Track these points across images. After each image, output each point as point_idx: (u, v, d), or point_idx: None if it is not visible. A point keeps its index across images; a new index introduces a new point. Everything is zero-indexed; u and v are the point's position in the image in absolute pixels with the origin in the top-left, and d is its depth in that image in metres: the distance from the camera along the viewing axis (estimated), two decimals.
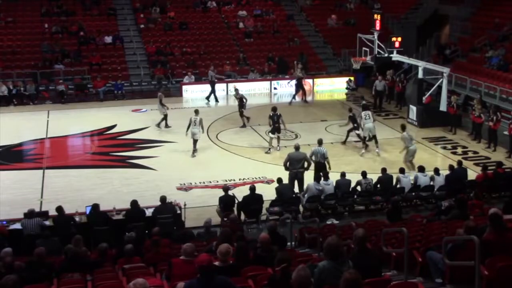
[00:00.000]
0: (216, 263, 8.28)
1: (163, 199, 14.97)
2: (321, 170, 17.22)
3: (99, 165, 20.82)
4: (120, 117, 26.50)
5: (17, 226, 13.94)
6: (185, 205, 15.34)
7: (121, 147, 22.65)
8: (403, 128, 19.91)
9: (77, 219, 14.40)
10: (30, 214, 13.99)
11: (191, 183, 18.48)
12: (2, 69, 30.73)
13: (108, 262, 10.98)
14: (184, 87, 31.03)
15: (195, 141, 21.13)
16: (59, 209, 14.09)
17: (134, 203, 14.50)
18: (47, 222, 14.18)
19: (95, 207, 14.31)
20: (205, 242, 12.09)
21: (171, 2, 37.11)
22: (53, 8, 35.17)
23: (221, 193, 15.94)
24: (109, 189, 18.24)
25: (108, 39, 33.97)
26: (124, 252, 10.94)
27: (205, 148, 21.85)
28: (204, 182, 18.59)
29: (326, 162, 17.76)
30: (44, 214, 14.76)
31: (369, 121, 21.17)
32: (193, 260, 9.28)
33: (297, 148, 17.78)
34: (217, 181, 18.49)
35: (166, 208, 14.79)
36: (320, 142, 18.18)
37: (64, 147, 23.43)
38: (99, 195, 16.95)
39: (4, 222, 14.20)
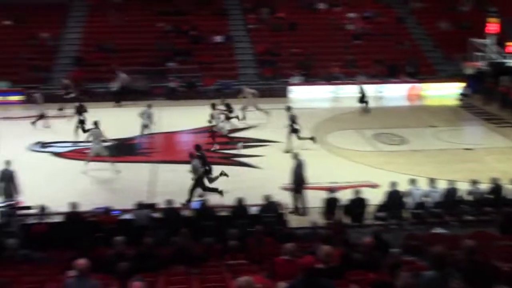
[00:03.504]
0: (319, 265, 8.28)
1: (267, 198, 15.13)
2: None
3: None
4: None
5: (129, 216, 14.53)
6: (288, 205, 15.41)
7: (228, 145, 23.06)
8: None
9: (185, 213, 14.81)
10: (140, 206, 14.57)
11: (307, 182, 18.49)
12: (119, 66, 32.07)
13: (213, 257, 11.21)
14: (291, 88, 31.16)
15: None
16: (169, 202, 14.55)
17: (239, 200, 14.75)
18: (156, 214, 14.68)
19: (203, 202, 14.67)
20: (308, 243, 12.09)
21: (281, 3, 37.34)
22: (167, 8, 36.30)
23: (325, 194, 15.89)
24: (215, 186, 18.57)
25: (219, 39, 34.69)
26: (228, 248, 11.15)
27: (310, 149, 21.82)
28: (309, 183, 18.55)
29: None
30: (153, 206, 15.31)
31: None
32: (296, 260, 9.34)
33: None
34: (321, 183, 18.41)
35: (270, 207, 14.93)
36: None
37: (173, 142, 24.16)
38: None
39: (117, 212, 14.82)
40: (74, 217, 14.16)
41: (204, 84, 31.61)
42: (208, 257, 11.14)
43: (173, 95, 30.66)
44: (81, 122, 22.99)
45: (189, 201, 16.56)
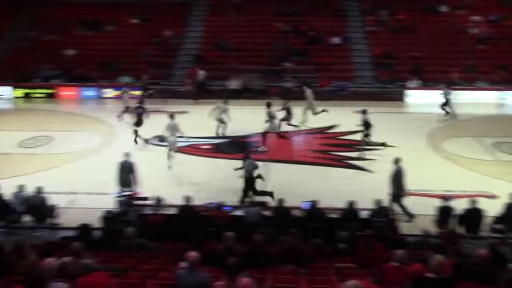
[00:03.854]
0: (429, 274, 8.07)
1: (378, 202, 14.93)
2: None
3: (318, 163, 21.29)
4: (341, 117, 26.79)
5: (240, 213, 14.81)
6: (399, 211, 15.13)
7: (341, 147, 22.94)
8: None
9: (294, 212, 14.88)
10: (251, 203, 14.81)
11: (408, 190, 18.11)
12: (236, 64, 32.72)
13: (322, 258, 11.21)
14: (408, 92, 30.52)
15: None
16: (280, 201, 14.68)
17: (350, 203, 14.64)
18: (267, 213, 14.86)
19: (313, 203, 14.68)
20: (419, 251, 11.81)
21: (401, 5, 36.57)
22: (286, 8, 36.57)
23: (438, 202, 15.45)
24: (326, 187, 18.56)
25: (336, 40, 34.55)
26: (337, 251, 11.11)
27: (424, 155, 21.34)
28: (421, 190, 18.14)
29: None
30: (264, 204, 15.50)
31: None
32: (406, 268, 9.17)
33: None
34: (435, 190, 17.93)
35: (381, 212, 14.72)
36: None
37: (286, 142, 24.32)
38: (316, 192, 17.27)
39: (229, 208, 15.14)
40: (188, 210, 14.60)
41: (319, 85, 31.59)
42: (317, 258, 11.15)
43: (288, 95, 30.82)
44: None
45: (243, 201, 16.62)
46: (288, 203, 15.08)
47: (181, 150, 22.26)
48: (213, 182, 19.19)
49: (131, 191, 16.70)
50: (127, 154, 17.38)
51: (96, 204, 16.84)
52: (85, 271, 9.02)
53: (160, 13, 36.70)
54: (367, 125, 21.63)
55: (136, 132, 22.60)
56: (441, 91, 27.01)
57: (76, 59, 34.28)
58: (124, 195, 16.29)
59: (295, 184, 18.82)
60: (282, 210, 14.66)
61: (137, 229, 12.64)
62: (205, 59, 33.90)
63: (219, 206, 15.05)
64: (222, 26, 36.06)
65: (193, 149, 22.62)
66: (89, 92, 31.69)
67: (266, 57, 33.52)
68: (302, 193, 17.10)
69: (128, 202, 15.41)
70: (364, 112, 21.80)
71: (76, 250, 9.47)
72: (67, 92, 31.98)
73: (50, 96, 31.66)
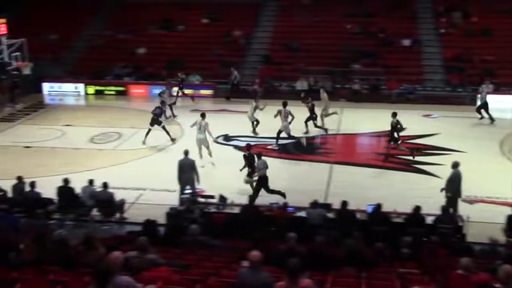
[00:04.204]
0: (497, 285, 7.86)
1: (444, 208, 14.62)
2: None
3: (384, 166, 21.02)
4: (409, 120, 26.32)
5: (303, 214, 14.79)
6: (468, 218, 14.76)
7: (408, 151, 22.56)
8: None
9: (358, 216, 14.76)
10: (314, 205, 14.76)
11: (476, 196, 17.70)
12: (304, 65, 32.69)
13: (384, 263, 11.07)
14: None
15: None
16: (344, 203, 14.57)
17: (416, 208, 14.39)
18: (330, 215, 14.78)
19: (378, 206, 14.52)
20: (486, 260, 11.50)
21: (475, 7, 35.63)
22: (356, 10, 36.26)
23: (509, 211, 14.98)
24: (391, 191, 18.32)
25: (406, 42, 34.02)
26: (400, 256, 10.95)
27: (495, 162, 20.76)
28: (490, 197, 17.66)
29: None
30: (328, 206, 15.43)
31: None
32: (472, 277, 8.95)
33: None
34: (506, 198, 17.42)
35: (447, 218, 14.40)
36: None
37: (352, 145, 24.15)
38: (381, 196, 17.03)
39: (292, 209, 15.14)
40: (251, 210, 14.70)
41: (388, 88, 31.21)
42: (379, 262, 11.02)
43: (356, 97, 30.64)
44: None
45: (253, 201, 16.52)
46: (352, 205, 14.96)
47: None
48: (278, 182, 19.19)
49: (194, 189, 16.93)
50: (186, 152, 17.62)
51: (161, 200, 17.19)
52: (149, 266, 9.22)
53: (231, 13, 37.07)
54: (397, 128, 21.22)
55: (149, 131, 22.99)
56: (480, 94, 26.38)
57: (147, 57, 35.06)
58: (189, 193, 16.52)
59: (359, 187, 18.65)
60: (345, 213, 14.56)
61: (201, 226, 12.80)
62: (273, 60, 34.00)
63: (284, 206, 15.07)
64: (291, 26, 36.10)
65: (259, 149, 22.67)
66: (159, 90, 32.26)
67: (334, 58, 33.35)
68: (366, 196, 16.90)
69: (193, 200, 15.62)
70: (394, 115, 21.39)
71: (142, 245, 9.67)
72: (137, 90, 32.72)
73: (120, 93, 32.45)
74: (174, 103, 28.12)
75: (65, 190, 16.10)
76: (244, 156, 18.22)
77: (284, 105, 22.75)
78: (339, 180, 19.47)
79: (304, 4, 37.37)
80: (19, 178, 16.57)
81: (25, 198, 16.00)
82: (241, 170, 18.18)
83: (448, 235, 13.87)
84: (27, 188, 16.15)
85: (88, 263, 9.08)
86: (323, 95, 25.73)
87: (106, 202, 16.01)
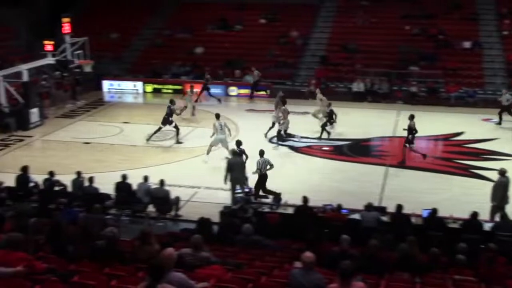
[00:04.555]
0: None
1: (503, 215, 14.27)
2: None
3: (440, 170, 20.67)
4: (468, 124, 25.92)
5: (357, 216, 14.67)
6: None
7: (466, 155, 22.15)
8: None
9: (413, 220, 14.55)
10: (368, 207, 14.62)
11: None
12: (361, 67, 32.44)
13: (439, 269, 10.89)
14: None
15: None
16: (399, 207, 14.37)
17: (473, 214, 14.08)
18: (384, 218, 14.62)
19: (433, 211, 14.28)
20: None
21: None
22: (415, 11, 35.72)
23: None
24: (448, 196, 17.98)
25: (467, 44, 33.33)
26: (456, 262, 10.75)
27: None
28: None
29: None
30: (382, 210, 15.27)
31: None
32: None
33: None
34: None
35: (506, 225, 14.05)
36: None
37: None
38: (437, 200, 16.75)
39: (346, 211, 15.04)
40: (304, 211, 14.67)
41: (446, 91, 30.66)
42: (434, 268, 10.84)
43: (413, 100, 30.21)
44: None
45: (256, 198, 16.73)
46: (407, 209, 14.76)
47: (301, 150, 22.46)
48: (331, 184, 19.14)
49: (247, 188, 17.02)
50: (235, 152, 17.72)
51: (215, 198, 17.36)
52: (202, 264, 9.32)
53: (288, 14, 37.09)
54: (412, 131, 20.82)
55: (159, 129, 23.34)
56: None
57: (204, 57, 35.42)
58: (243, 192, 16.62)
59: (415, 191, 18.39)
60: (400, 217, 14.37)
61: (254, 226, 12.86)
62: (330, 60, 33.84)
63: (338, 208, 14.99)
64: (349, 27, 35.90)
65: (313, 150, 22.68)
66: (215, 90, 32.58)
67: (392, 60, 32.96)
68: (422, 200, 16.67)
69: (247, 199, 15.70)
70: (412, 117, 20.98)
71: (196, 243, 9.78)
72: (194, 89, 33.03)
73: (177, 92, 32.86)
74: (196, 101, 28.43)
75: (122, 186, 16.43)
76: (234, 151, 18.26)
77: (284, 103, 23.17)
78: (395, 183, 19.24)
79: (362, 5, 37.06)
80: (78, 173, 16.99)
81: (83, 193, 16.39)
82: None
83: (507, 243, 13.52)
84: (86, 183, 16.54)
85: (143, 259, 9.25)
86: (319, 95, 25.87)
87: (162, 199, 16.24)
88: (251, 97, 31.93)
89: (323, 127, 23.75)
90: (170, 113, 23.39)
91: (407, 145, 21.03)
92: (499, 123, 26.25)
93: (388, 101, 30.31)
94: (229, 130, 21.72)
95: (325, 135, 23.74)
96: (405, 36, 34.45)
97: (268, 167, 17.26)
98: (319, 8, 38.19)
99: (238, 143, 18.30)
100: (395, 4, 36.32)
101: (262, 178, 17.19)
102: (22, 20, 35.44)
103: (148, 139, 23.47)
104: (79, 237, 10.66)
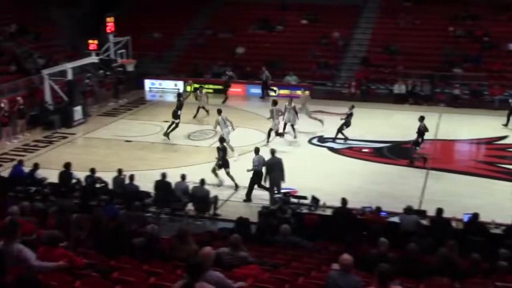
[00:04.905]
0: None
1: None
2: None
3: (483, 174, 20.32)
4: None
5: (396, 219, 14.53)
6: None
7: (510, 160, 21.73)
8: None
9: (453, 224, 14.35)
10: (408, 210, 14.47)
11: None
12: (403, 68, 32.09)
13: (480, 274, 10.71)
14: None
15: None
16: (439, 211, 14.18)
17: None
18: (424, 222, 14.45)
19: (475, 216, 14.05)
20: None
21: None
22: (460, 12, 35.15)
23: None
24: (490, 201, 17.66)
25: None
26: (497, 268, 10.56)
27: None
28: None
29: None
30: (422, 213, 15.10)
31: None
32: None
33: None
34: None
35: None
36: None
37: (450, 151, 23.50)
38: (479, 205, 16.42)
39: (385, 213, 14.91)
40: (343, 213, 14.60)
41: (490, 94, 30.11)
42: (474, 273, 10.67)
43: (456, 102, 29.76)
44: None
45: (248, 195, 17.52)
46: (448, 213, 14.55)
47: (340, 152, 22.37)
48: (371, 186, 18.99)
49: (285, 189, 17.00)
50: (273, 152, 17.72)
51: (254, 198, 17.41)
52: (240, 263, 9.36)
53: (329, 14, 36.90)
54: (422, 133, 20.56)
55: (172, 123, 23.95)
56: None
57: (245, 57, 35.49)
58: (282, 193, 16.61)
59: (457, 195, 18.13)
60: (440, 221, 14.18)
61: (292, 226, 12.85)
62: (371, 62, 33.57)
63: (377, 211, 14.87)
64: (391, 29, 35.54)
65: (353, 152, 22.55)
66: (256, 90, 32.59)
67: (435, 62, 32.50)
68: (463, 205, 16.42)
69: (285, 200, 15.70)
70: (422, 119, 20.74)
71: (234, 242, 9.81)
72: (234, 88, 33.07)
73: (218, 92, 32.98)
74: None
75: (162, 184, 16.59)
76: (218, 148, 18.81)
77: (275, 103, 23.37)
78: (435, 187, 19.00)
79: (405, 6, 36.67)
80: (119, 171, 17.22)
81: (124, 190, 16.61)
82: (219, 165, 18.79)
83: None
84: (127, 181, 16.75)
85: (181, 257, 9.32)
86: (304, 94, 26.42)
87: (201, 199, 16.34)
88: (262, 97, 31.82)
89: (340, 130, 23.61)
90: (179, 106, 23.98)
91: (415, 147, 20.88)
92: None
93: (430, 104, 29.91)
94: (231, 123, 21.84)
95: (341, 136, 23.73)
96: (448, 38, 33.93)
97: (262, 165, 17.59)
98: (361, 9, 37.89)
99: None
100: (439, 5, 35.77)
101: (258, 175, 17.43)
102: (67, 20, 36.05)
103: (165, 134, 24.00)
104: (115, 233, 10.78)
